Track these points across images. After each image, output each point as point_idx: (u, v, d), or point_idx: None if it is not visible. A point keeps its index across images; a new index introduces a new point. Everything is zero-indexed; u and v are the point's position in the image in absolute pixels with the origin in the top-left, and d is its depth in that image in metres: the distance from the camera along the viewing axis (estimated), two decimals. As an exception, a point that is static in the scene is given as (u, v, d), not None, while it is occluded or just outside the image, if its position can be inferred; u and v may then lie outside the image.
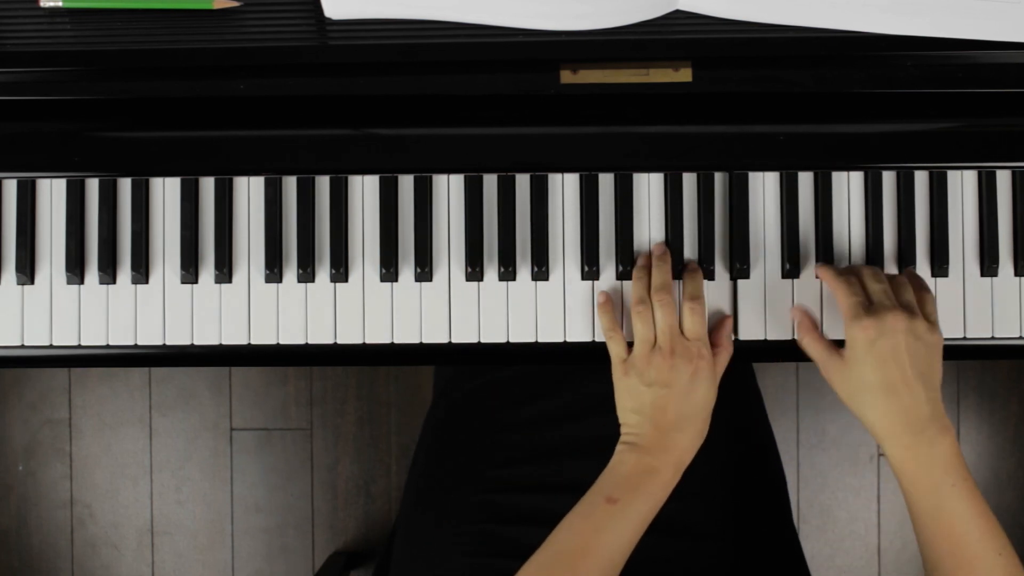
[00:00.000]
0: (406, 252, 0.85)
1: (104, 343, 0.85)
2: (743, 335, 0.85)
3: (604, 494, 0.76)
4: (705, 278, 0.84)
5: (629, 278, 0.84)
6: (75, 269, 0.84)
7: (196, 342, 0.85)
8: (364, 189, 0.85)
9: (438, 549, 0.90)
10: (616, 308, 0.84)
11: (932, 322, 0.77)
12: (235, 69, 0.76)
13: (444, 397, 1.02)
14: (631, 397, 0.79)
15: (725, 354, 0.82)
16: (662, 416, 0.78)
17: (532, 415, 0.93)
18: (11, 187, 0.85)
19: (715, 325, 0.84)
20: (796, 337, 0.83)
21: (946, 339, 0.85)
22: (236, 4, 0.76)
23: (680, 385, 0.78)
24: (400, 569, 0.93)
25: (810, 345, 0.81)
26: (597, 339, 0.85)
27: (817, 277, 0.84)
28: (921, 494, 0.73)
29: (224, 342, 0.85)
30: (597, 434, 0.87)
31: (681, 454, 0.78)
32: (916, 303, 0.77)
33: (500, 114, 0.78)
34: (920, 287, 0.80)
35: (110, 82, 0.76)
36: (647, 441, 0.78)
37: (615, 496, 0.75)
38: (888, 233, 0.85)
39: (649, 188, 0.85)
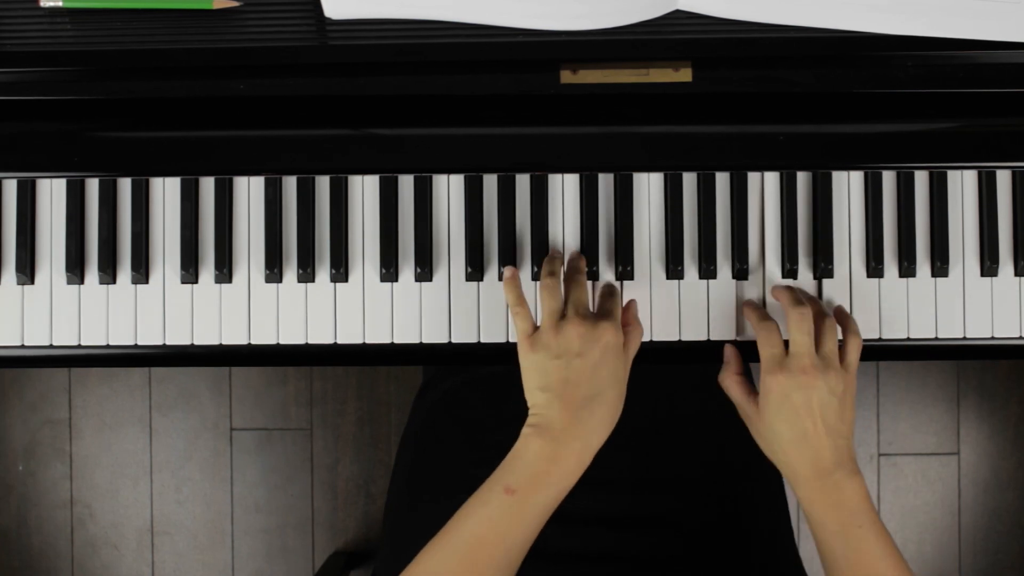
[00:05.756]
0: (406, 252, 0.85)
1: (104, 343, 0.85)
2: (743, 335, 0.85)
3: (503, 483, 0.72)
4: (705, 278, 0.85)
5: (629, 278, 0.84)
6: (75, 269, 0.84)
7: (196, 342, 0.85)
8: (364, 189, 0.85)
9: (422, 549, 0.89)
10: (528, 288, 0.83)
11: (850, 372, 0.77)
12: (235, 69, 0.76)
13: (426, 393, 1.02)
14: (538, 374, 0.75)
15: (637, 333, 0.80)
16: (571, 391, 0.74)
17: (513, 414, 0.92)
18: (11, 187, 0.85)
19: (624, 308, 0.82)
20: (719, 377, 0.83)
21: (946, 339, 0.85)
22: (236, 4, 0.76)
23: (591, 356, 0.74)
24: (387, 568, 0.93)
25: (730, 388, 0.81)
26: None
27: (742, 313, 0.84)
28: (829, 535, 0.74)
29: (224, 342, 0.85)
30: None
31: (589, 436, 0.74)
32: (836, 352, 0.77)
33: (500, 114, 0.78)
34: (849, 330, 0.79)
35: (110, 82, 0.76)
36: (555, 422, 0.74)
37: (513, 486, 0.71)
38: (888, 233, 0.85)
39: (649, 188, 0.85)
